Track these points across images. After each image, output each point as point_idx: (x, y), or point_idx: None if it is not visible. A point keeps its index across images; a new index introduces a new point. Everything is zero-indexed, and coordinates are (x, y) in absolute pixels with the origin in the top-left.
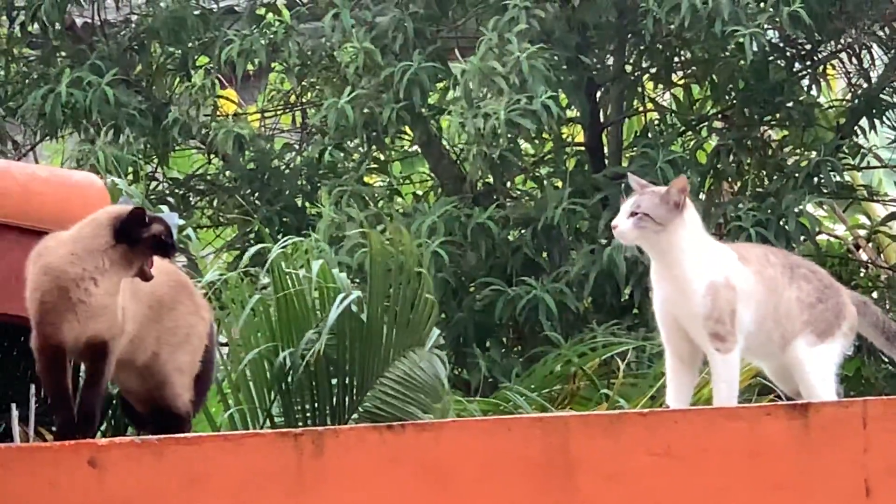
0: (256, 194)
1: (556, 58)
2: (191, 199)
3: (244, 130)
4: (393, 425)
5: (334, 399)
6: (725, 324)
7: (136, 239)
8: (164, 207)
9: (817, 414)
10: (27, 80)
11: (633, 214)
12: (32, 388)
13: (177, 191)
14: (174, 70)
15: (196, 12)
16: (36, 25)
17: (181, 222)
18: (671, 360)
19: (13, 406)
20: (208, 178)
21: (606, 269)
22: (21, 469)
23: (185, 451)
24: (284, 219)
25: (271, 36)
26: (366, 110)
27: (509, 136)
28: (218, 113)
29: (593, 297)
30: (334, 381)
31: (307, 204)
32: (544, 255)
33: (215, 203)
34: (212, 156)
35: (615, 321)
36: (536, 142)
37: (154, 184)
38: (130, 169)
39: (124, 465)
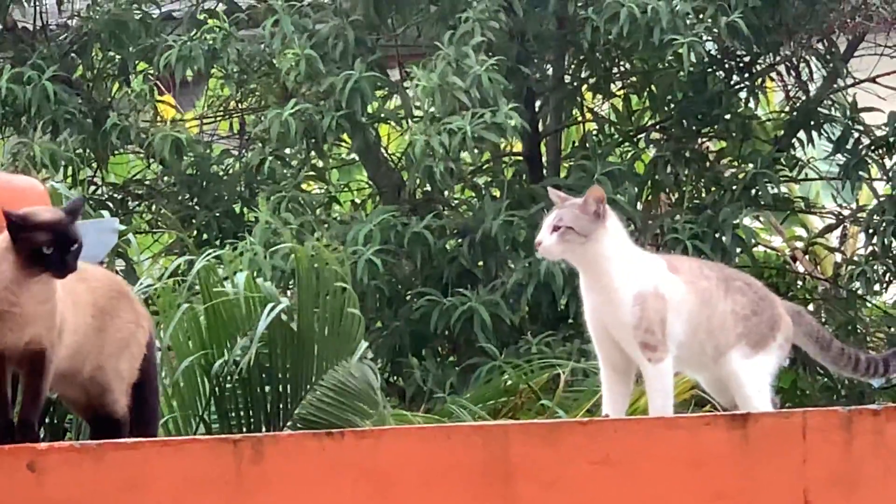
0: (195, 199)
1: (496, 67)
2: (129, 203)
3: (182, 135)
4: (332, 432)
5: (268, 406)
6: (655, 333)
7: (20, 246)
8: (105, 213)
9: (757, 424)
10: None
11: (555, 229)
12: None
13: (115, 195)
14: (114, 74)
15: (137, 17)
16: None
17: (121, 227)
18: (605, 370)
19: None
20: (147, 182)
21: (543, 281)
22: None
23: (124, 456)
24: (223, 224)
25: (210, 42)
26: (304, 119)
27: (478, 151)
28: (158, 119)
29: (529, 308)
30: (268, 389)
31: (245, 210)
32: (480, 265)
33: (154, 208)
34: (150, 161)
35: (550, 332)
36: (476, 151)
37: (93, 188)
38: (69, 171)
39: (63, 469)
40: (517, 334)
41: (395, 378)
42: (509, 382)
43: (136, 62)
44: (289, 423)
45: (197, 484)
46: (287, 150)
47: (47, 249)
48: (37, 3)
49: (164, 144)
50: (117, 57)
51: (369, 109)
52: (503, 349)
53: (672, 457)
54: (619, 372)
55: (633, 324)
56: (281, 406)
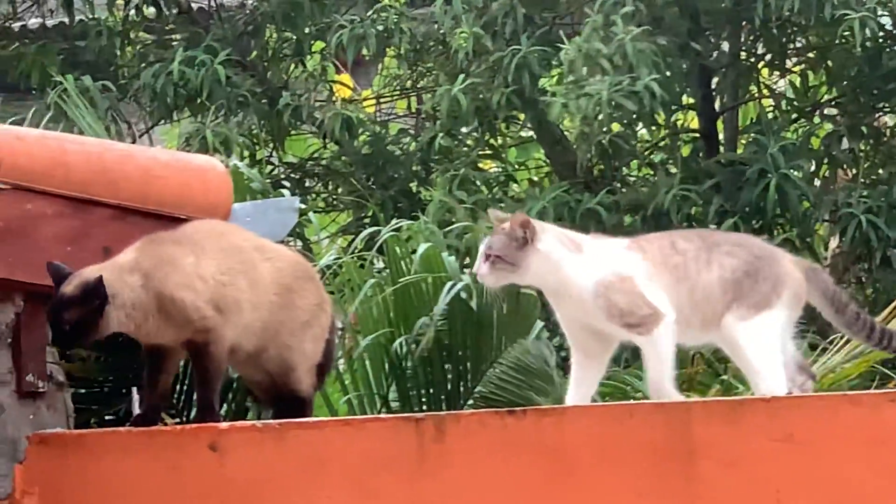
0: (371, 179)
1: (665, 43)
2: (306, 183)
3: (353, 114)
4: (514, 410)
5: (449, 385)
6: (634, 312)
7: None
8: (285, 192)
9: None
10: (142, 64)
11: (487, 258)
12: None
13: (293, 175)
14: (289, 55)
15: None
16: (152, 9)
17: (301, 206)
18: (576, 356)
19: (134, 390)
20: (323, 162)
21: None
22: (142, 452)
23: (305, 436)
24: (399, 203)
25: (383, 22)
26: (475, 96)
27: (615, 118)
28: (333, 98)
29: None
30: (448, 367)
31: (421, 189)
32: None
33: (330, 188)
34: (327, 141)
35: None
36: (653, 128)
37: (270, 168)
38: (246, 153)
39: (245, 449)
40: None
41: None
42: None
43: (311, 42)
44: (469, 402)
45: (378, 462)
46: (460, 129)
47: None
48: None
49: (335, 122)
50: (291, 37)
51: (541, 85)
52: None
53: (855, 434)
54: (590, 356)
55: (606, 315)
56: (462, 384)
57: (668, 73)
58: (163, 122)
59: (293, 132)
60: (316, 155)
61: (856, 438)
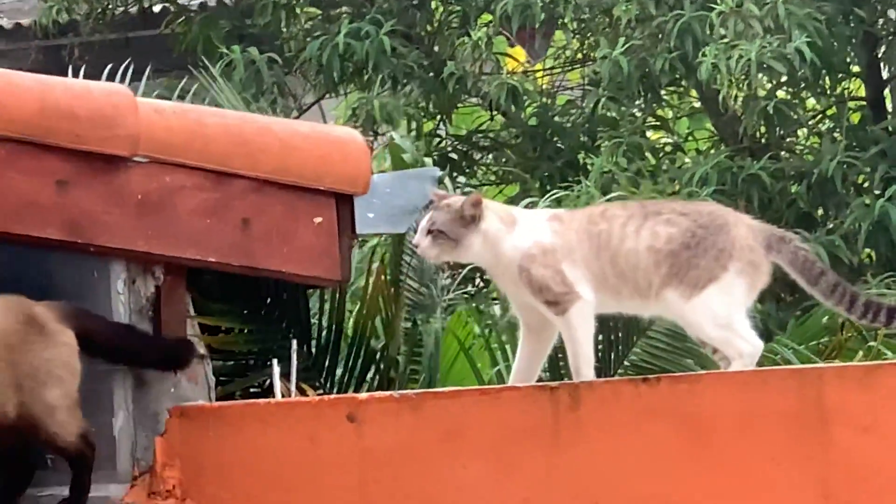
0: (538, 151)
1: (826, 9)
2: (474, 155)
3: (517, 83)
4: (648, 378)
5: (599, 354)
6: (551, 288)
7: None
8: (428, 161)
9: None
10: (307, 38)
11: (429, 232)
12: (294, 343)
13: (459, 147)
14: (456, 27)
15: None
16: None
17: (440, 174)
18: (523, 331)
19: (275, 361)
20: (490, 135)
21: (879, 221)
22: (280, 424)
23: (442, 405)
24: (565, 175)
25: None
26: (637, 62)
27: (769, 82)
28: (503, 71)
29: (871, 250)
30: (600, 337)
31: (587, 159)
32: (819, 209)
33: (499, 160)
34: (494, 113)
35: (890, 273)
36: (820, 96)
37: (437, 140)
38: (413, 124)
39: (382, 419)
40: (856, 276)
41: None
42: (826, 320)
43: (478, 14)
44: (619, 371)
45: (514, 432)
46: (624, 97)
47: None
48: None
49: (500, 92)
50: (458, 9)
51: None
52: None
53: None
54: (533, 331)
55: (529, 291)
56: (612, 354)
57: (831, 40)
58: (330, 95)
59: (460, 105)
60: (483, 127)
61: None
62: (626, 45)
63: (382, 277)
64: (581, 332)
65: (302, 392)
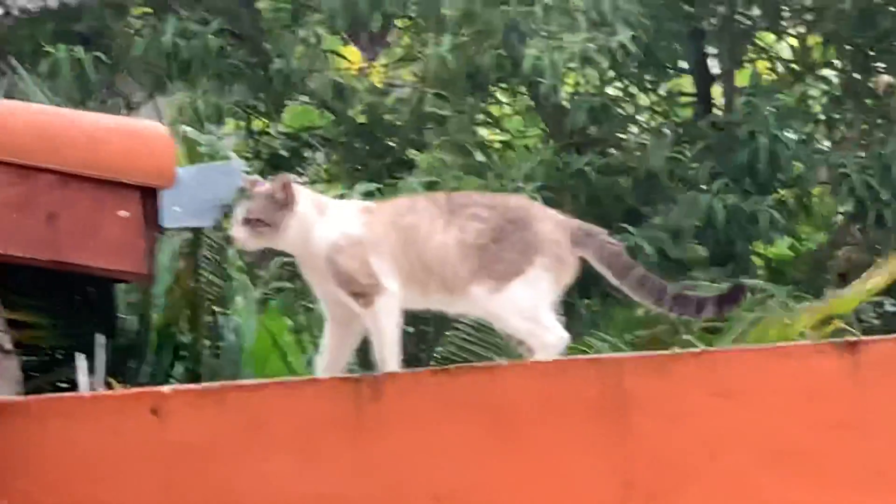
0: (367, 148)
1: (653, 3)
2: (304, 154)
3: (344, 80)
4: (448, 368)
5: (407, 347)
6: (357, 280)
7: None
8: (233, 154)
9: (867, 351)
10: (135, 36)
11: (247, 221)
12: (101, 338)
13: (290, 144)
14: (287, 25)
15: None
16: None
17: (246, 169)
18: (328, 323)
19: (80, 356)
20: (318, 132)
21: (705, 217)
22: (86, 418)
23: (246, 398)
24: (394, 173)
25: None
26: (470, 60)
27: (599, 80)
28: (331, 68)
29: (696, 245)
30: (411, 330)
31: (415, 157)
32: (646, 205)
33: (329, 157)
34: (323, 111)
35: (717, 267)
36: (648, 90)
37: (266, 138)
38: (234, 121)
39: (186, 412)
40: (685, 271)
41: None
42: (639, 312)
43: (306, 11)
44: (430, 364)
45: (318, 424)
46: (451, 94)
47: None
48: None
49: (326, 90)
50: (286, 5)
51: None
52: None
53: (786, 387)
54: (341, 325)
55: (335, 281)
56: (421, 346)
57: (657, 35)
58: (157, 94)
59: (289, 102)
60: (311, 125)
61: (788, 391)
62: (453, 42)
63: (187, 272)
64: (386, 325)
65: (109, 386)
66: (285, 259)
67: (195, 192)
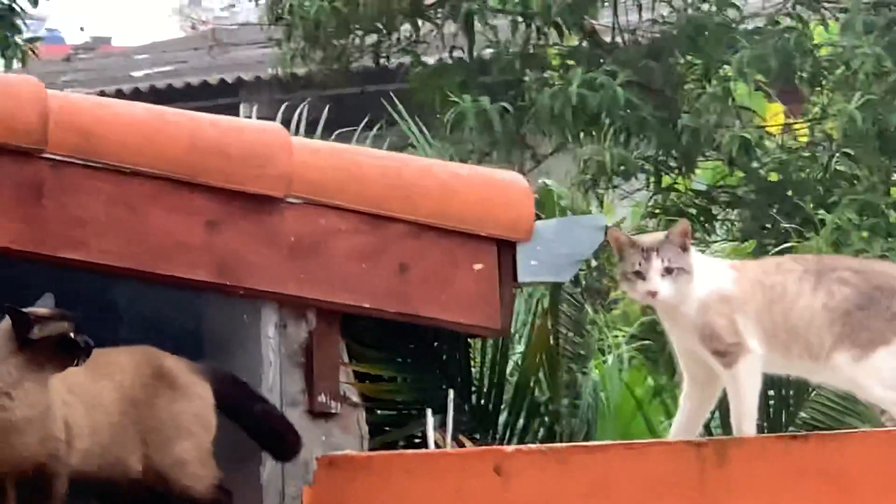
0: (776, 208)
1: None
2: (713, 211)
3: (749, 135)
4: (797, 435)
5: (771, 411)
6: (723, 338)
7: (31, 342)
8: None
9: None
10: (544, 87)
11: (668, 271)
12: (451, 393)
13: (698, 202)
14: (696, 79)
15: (717, 20)
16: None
17: (607, 224)
18: (686, 382)
19: (429, 412)
20: (729, 189)
21: None
22: (427, 475)
23: (588, 459)
24: (803, 234)
25: (784, 43)
26: (874, 117)
27: None
28: (743, 123)
29: None
30: (771, 392)
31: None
32: None
33: (736, 215)
34: (733, 167)
35: None
36: None
37: (675, 194)
38: (652, 178)
39: (528, 472)
40: None
41: None
42: None
43: (718, 65)
44: (790, 428)
45: (659, 487)
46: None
47: (67, 337)
48: (616, 8)
49: (732, 144)
50: (697, 62)
51: None
52: None
53: None
54: (697, 384)
55: (699, 336)
56: (784, 411)
57: None
58: (566, 147)
59: (701, 158)
60: (722, 182)
61: None
62: (863, 100)
63: (546, 327)
64: (747, 387)
65: (459, 444)
66: (645, 317)
67: (554, 245)
